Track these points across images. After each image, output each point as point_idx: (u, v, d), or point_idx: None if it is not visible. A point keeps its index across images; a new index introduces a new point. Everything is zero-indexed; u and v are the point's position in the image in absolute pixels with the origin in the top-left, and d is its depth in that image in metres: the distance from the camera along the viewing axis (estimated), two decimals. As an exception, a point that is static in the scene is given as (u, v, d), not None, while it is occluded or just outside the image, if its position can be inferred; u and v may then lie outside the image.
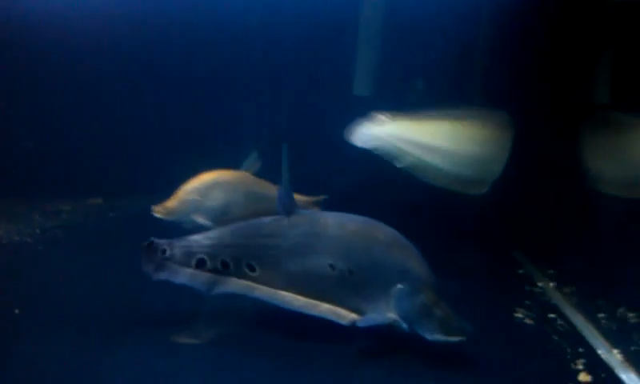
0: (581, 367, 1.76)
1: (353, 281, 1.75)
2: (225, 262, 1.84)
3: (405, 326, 1.71)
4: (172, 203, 2.17)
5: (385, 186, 2.92)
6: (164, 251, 1.84)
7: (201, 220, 2.20)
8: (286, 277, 1.82)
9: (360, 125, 2.27)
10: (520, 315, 2.06)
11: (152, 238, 1.84)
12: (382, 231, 1.77)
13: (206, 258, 1.84)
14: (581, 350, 1.86)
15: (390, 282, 1.72)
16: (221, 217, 2.24)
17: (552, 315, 2.07)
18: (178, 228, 2.21)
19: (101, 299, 2.07)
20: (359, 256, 1.75)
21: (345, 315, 1.77)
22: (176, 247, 1.85)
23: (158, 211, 2.16)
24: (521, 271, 2.43)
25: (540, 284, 2.30)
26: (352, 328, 1.75)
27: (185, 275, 1.84)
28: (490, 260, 2.54)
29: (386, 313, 1.73)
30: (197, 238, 1.86)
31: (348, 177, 3.00)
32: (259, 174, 2.46)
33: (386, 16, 2.93)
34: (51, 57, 2.89)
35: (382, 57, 2.97)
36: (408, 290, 1.70)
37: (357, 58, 3.00)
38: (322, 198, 2.41)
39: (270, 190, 2.37)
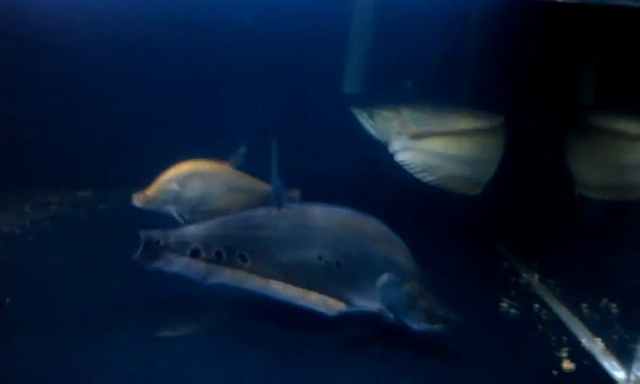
0: (565, 355, 1.81)
1: (340, 272, 1.79)
2: (218, 252, 1.88)
3: (391, 315, 1.75)
4: (151, 192, 2.18)
5: (373, 181, 2.96)
6: (158, 242, 1.88)
7: (175, 213, 2.21)
8: (276, 267, 1.85)
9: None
10: (505, 306, 2.10)
11: (149, 233, 1.88)
12: (369, 223, 1.80)
13: (200, 247, 1.88)
14: (564, 339, 1.91)
15: (376, 273, 1.76)
16: (198, 207, 2.26)
17: (536, 306, 2.12)
18: (168, 219, 2.23)
19: (92, 289, 2.07)
20: (346, 247, 1.78)
21: (333, 306, 1.80)
22: (171, 237, 1.89)
23: (138, 199, 2.17)
24: (506, 264, 2.47)
25: (525, 276, 2.35)
26: (341, 317, 1.78)
27: (179, 264, 1.88)
28: (476, 253, 2.58)
29: (372, 303, 1.76)
30: (190, 229, 1.90)
31: (337, 172, 3.03)
32: (246, 168, 2.48)
33: (377, 14, 2.95)
34: (43, 51, 2.87)
35: (372, 55, 3.00)
36: (394, 281, 1.74)
37: (347, 55, 3.03)
38: (295, 191, 2.43)
39: (248, 182, 2.39)
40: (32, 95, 2.97)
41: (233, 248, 1.87)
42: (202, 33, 2.93)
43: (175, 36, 2.95)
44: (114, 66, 2.92)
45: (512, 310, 2.07)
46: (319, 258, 1.80)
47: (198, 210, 2.26)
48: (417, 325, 1.72)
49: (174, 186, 2.19)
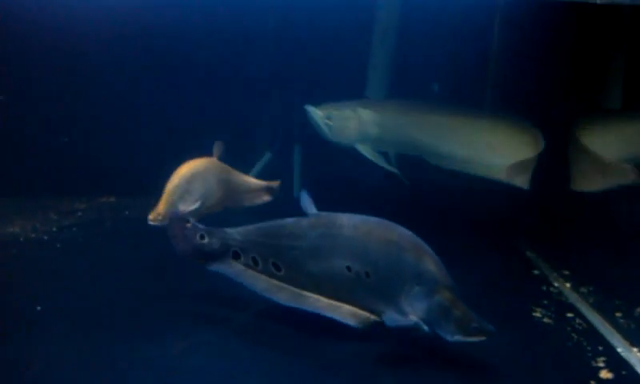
0: (602, 365, 1.78)
1: (369, 283, 1.76)
2: (255, 258, 1.88)
3: (426, 327, 1.70)
4: (163, 207, 2.12)
5: (399, 187, 2.94)
6: (202, 237, 1.90)
7: (191, 207, 2.17)
8: (307, 277, 1.84)
9: None
10: (538, 315, 2.08)
11: (195, 223, 1.91)
12: (397, 232, 1.76)
13: (239, 251, 1.90)
14: (600, 348, 1.88)
15: (406, 284, 1.72)
16: (200, 208, 2.22)
17: (570, 315, 2.09)
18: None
19: (122, 294, 2.08)
20: (375, 258, 1.75)
21: (365, 318, 1.78)
22: (214, 236, 1.90)
23: (155, 220, 2.09)
24: (536, 272, 2.44)
25: (556, 284, 2.32)
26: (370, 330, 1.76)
27: (221, 264, 1.91)
28: (505, 261, 2.56)
29: (407, 315, 1.72)
30: (230, 231, 1.91)
31: (362, 178, 3.02)
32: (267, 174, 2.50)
33: (401, 17, 2.94)
34: (69, 58, 2.89)
35: (396, 58, 2.99)
36: (425, 291, 1.70)
37: (370, 59, 3.02)
38: (276, 182, 2.44)
39: (234, 175, 2.39)
40: (53, 102, 2.98)
41: (267, 256, 1.87)
42: (227, 40, 2.94)
43: (199, 43, 2.96)
44: (140, 73, 2.93)
45: (545, 319, 2.05)
46: (348, 268, 1.77)
47: (200, 211, 2.22)
48: (450, 336, 1.67)
49: (181, 194, 2.16)
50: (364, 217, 1.82)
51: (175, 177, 2.18)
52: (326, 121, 2.67)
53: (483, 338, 1.67)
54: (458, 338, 1.67)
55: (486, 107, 2.91)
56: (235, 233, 1.91)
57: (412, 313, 1.71)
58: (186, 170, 2.21)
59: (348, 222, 1.80)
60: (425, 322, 1.70)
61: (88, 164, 3.00)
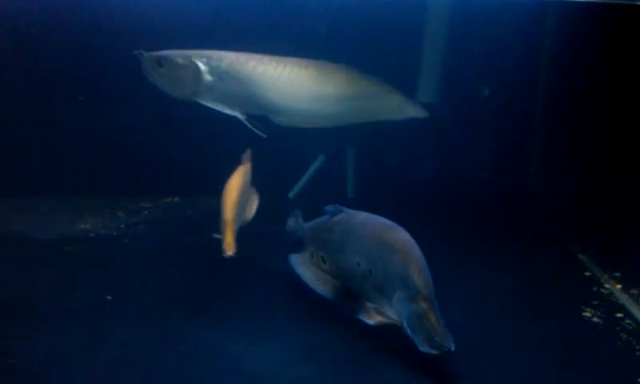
0: (650, 364, 1.80)
1: (372, 281, 1.82)
2: (312, 252, 2.07)
3: (409, 332, 1.67)
4: (232, 236, 2.08)
5: (450, 188, 2.99)
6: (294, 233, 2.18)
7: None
8: (339, 270, 1.97)
9: None
10: (588, 314, 2.10)
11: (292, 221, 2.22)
12: (393, 235, 1.80)
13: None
14: (649, 347, 1.90)
15: (395, 286, 1.74)
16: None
17: (619, 315, 2.10)
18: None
19: (186, 286, 2.22)
20: (374, 258, 1.81)
21: (374, 315, 1.82)
22: (297, 232, 2.16)
23: (233, 251, 2.04)
24: (587, 273, 2.45)
25: (607, 285, 2.33)
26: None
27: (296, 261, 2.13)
28: (556, 263, 2.57)
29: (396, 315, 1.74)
30: (303, 228, 2.15)
31: (413, 179, 3.07)
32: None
33: (451, 21, 2.98)
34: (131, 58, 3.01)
35: (447, 63, 3.02)
36: (406, 297, 1.70)
37: (421, 64, 3.06)
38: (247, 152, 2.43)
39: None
40: (124, 105, 3.12)
41: (317, 249, 2.05)
42: (284, 42, 3.02)
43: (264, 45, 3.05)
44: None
45: (595, 319, 2.07)
46: (358, 264, 1.86)
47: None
48: (421, 346, 1.63)
49: (238, 214, 2.18)
50: (375, 217, 1.91)
51: (228, 200, 2.17)
52: (157, 68, 2.41)
53: (442, 354, 1.60)
54: (425, 348, 1.61)
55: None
56: (306, 227, 2.13)
57: (399, 316, 1.72)
58: (234, 189, 2.20)
59: (360, 220, 1.91)
60: (407, 327, 1.68)
61: (153, 166, 3.15)
